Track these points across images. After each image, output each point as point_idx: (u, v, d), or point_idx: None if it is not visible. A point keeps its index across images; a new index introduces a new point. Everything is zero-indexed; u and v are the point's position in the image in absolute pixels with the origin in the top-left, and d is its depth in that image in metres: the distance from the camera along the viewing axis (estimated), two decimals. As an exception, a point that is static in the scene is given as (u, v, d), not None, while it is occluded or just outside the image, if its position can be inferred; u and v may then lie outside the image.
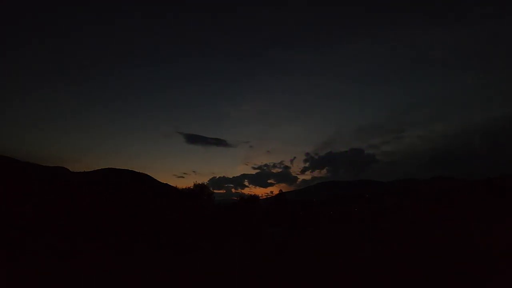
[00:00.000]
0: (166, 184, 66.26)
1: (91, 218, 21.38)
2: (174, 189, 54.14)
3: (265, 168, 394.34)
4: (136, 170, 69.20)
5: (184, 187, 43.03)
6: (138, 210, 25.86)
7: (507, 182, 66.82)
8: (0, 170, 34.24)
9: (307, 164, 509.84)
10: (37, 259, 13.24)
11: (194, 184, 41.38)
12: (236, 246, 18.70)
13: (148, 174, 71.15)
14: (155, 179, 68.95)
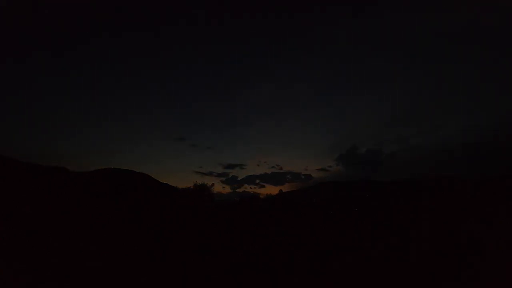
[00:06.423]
0: (166, 184, 66.07)
1: (91, 218, 21.41)
2: (174, 189, 54.28)
3: (280, 166, 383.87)
4: (137, 171, 68.81)
5: (184, 187, 43.26)
6: (138, 210, 25.90)
7: (507, 181, 66.79)
8: (0, 170, 34.27)
9: (325, 161, 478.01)
10: (37, 259, 13.23)
11: (194, 184, 41.54)
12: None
13: (151, 175, 70.91)
14: (155, 179, 68.78)
